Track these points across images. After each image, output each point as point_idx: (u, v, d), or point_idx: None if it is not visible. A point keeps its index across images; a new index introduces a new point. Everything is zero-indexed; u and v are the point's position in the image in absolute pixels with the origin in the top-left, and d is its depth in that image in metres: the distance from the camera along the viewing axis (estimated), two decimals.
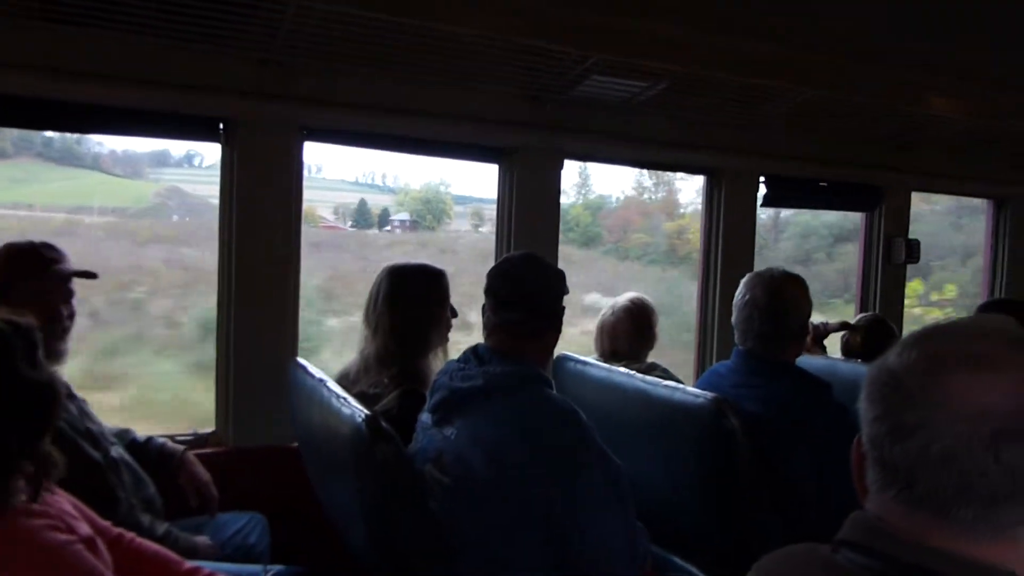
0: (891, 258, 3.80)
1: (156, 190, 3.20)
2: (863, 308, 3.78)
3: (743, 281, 2.25)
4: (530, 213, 2.91)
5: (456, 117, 2.76)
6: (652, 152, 3.19)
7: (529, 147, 2.90)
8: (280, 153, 2.53)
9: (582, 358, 2.56)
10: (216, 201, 2.58)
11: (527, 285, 1.84)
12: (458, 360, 1.89)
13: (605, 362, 2.67)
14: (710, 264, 3.34)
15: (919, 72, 3.39)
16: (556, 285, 1.88)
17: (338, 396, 1.82)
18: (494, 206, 2.95)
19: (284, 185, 2.55)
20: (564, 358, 2.58)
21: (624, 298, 2.87)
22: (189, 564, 1.70)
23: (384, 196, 4.21)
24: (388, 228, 3.76)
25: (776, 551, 0.97)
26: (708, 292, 3.34)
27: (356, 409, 1.71)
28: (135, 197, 3.22)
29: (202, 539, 2.07)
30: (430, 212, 3.84)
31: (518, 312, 1.82)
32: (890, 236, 3.80)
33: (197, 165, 3.33)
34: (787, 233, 4.55)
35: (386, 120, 2.68)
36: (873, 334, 3.06)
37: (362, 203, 3.57)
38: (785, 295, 2.16)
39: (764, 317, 2.15)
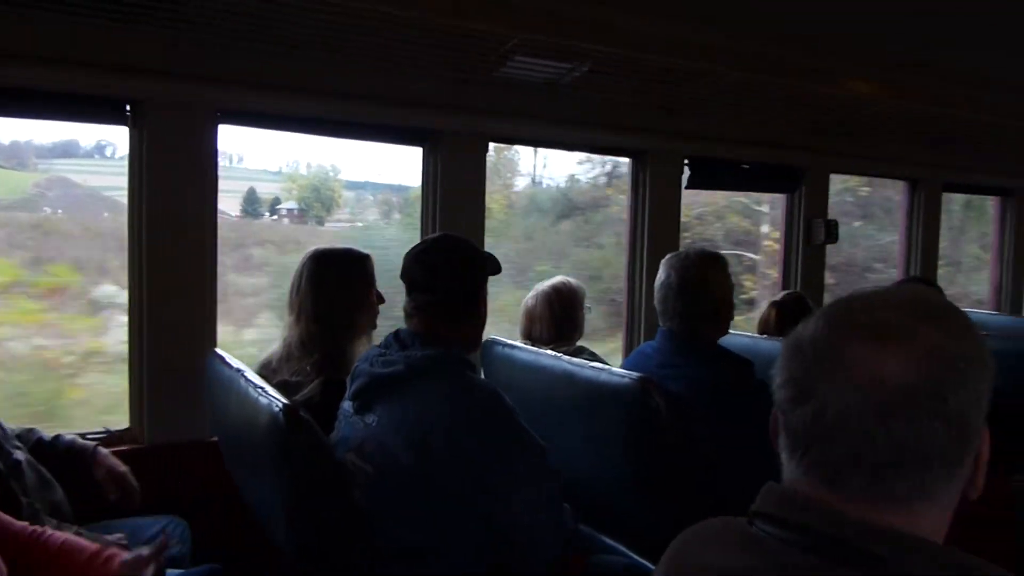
0: (811, 238, 3.89)
1: (36, 181, 2.96)
2: (785, 287, 3.86)
3: (662, 262, 2.28)
4: (455, 197, 2.87)
5: (377, 99, 2.69)
6: (578, 134, 3.19)
7: (453, 130, 2.85)
8: (192, 136, 2.43)
9: (510, 341, 2.55)
10: (116, 193, 2.45)
11: (442, 268, 1.81)
12: (379, 345, 1.85)
13: (532, 346, 2.67)
14: (636, 246, 3.35)
15: (837, 56, 3.47)
16: (475, 267, 1.85)
17: (256, 386, 1.76)
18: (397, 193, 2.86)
19: (198, 170, 2.45)
20: (492, 342, 2.56)
21: (549, 283, 2.87)
22: (96, 546, 1.63)
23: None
24: (275, 217, 3.57)
25: (693, 526, 0.97)
26: (635, 273, 3.36)
27: (274, 399, 1.65)
28: (9, 188, 2.97)
29: (114, 537, 1.98)
30: (319, 200, 3.65)
31: (434, 295, 1.79)
32: (810, 217, 3.89)
33: (110, 156, 3.15)
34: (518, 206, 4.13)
35: (305, 102, 2.60)
36: (789, 311, 3.13)
37: (251, 192, 3.40)
38: (702, 275, 2.18)
39: (682, 297, 2.18)
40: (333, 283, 2.25)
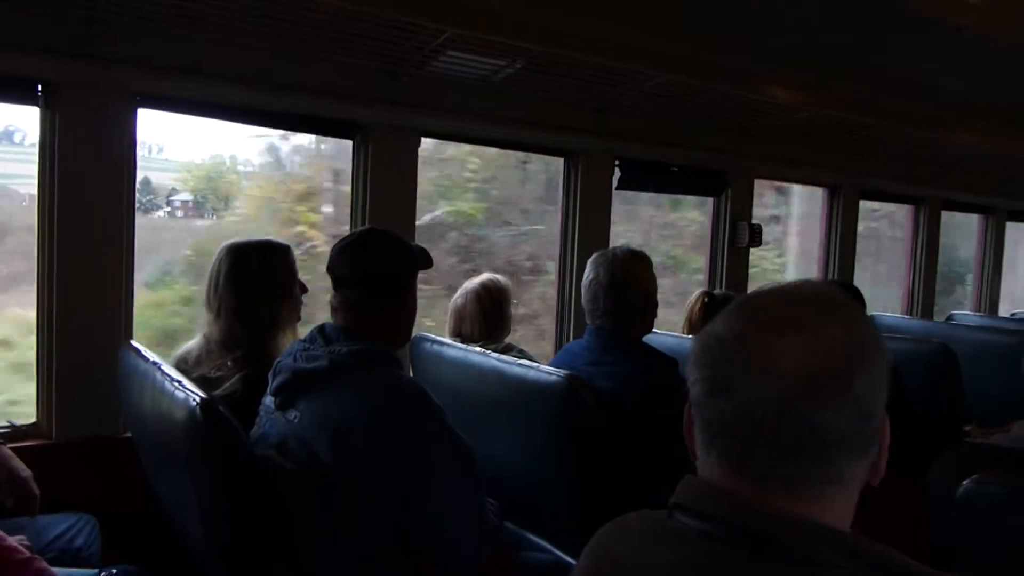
0: (735, 241, 3.98)
1: None
2: (709, 287, 3.94)
3: (589, 261, 2.31)
4: (386, 191, 2.83)
5: (307, 89, 2.63)
6: (510, 132, 3.18)
7: (385, 123, 2.81)
8: (108, 121, 2.33)
9: (438, 338, 2.53)
10: (13, 182, 2.32)
11: (368, 262, 1.78)
12: (303, 340, 1.81)
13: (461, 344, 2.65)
14: (567, 245, 3.38)
15: (763, 62, 3.57)
16: (402, 262, 1.82)
17: (172, 380, 1.69)
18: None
19: (114, 156, 2.35)
20: (421, 338, 2.54)
21: (477, 280, 2.86)
22: (26, 555, 1.55)
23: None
24: (167, 210, 3.33)
25: (614, 520, 0.97)
26: (566, 272, 3.38)
27: (191, 393, 1.59)
28: None
29: (16, 538, 1.88)
30: (214, 192, 3.41)
31: (360, 290, 1.76)
32: (735, 220, 3.98)
33: (19, 143, 2.96)
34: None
35: (230, 90, 2.52)
36: (711, 310, 3.20)
37: (145, 181, 3.18)
38: (626, 273, 2.21)
39: (607, 295, 2.21)
40: (255, 277, 2.18)
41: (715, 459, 0.84)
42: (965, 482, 1.33)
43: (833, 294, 0.87)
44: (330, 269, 1.80)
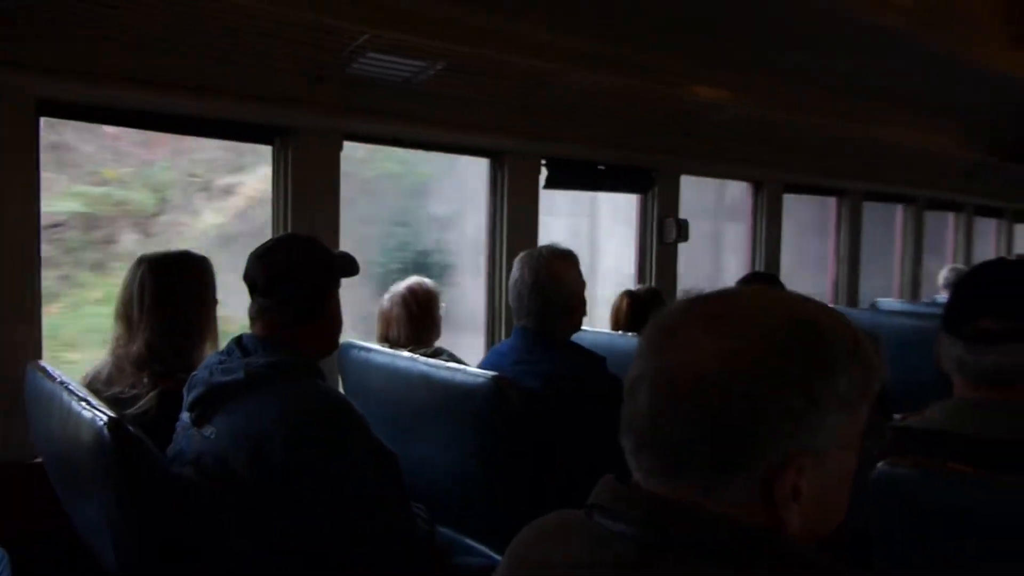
0: (663, 237, 4.03)
1: None
2: (640, 283, 3.98)
3: (516, 261, 2.31)
4: (308, 197, 2.77)
5: (222, 93, 2.56)
6: (436, 134, 3.16)
7: (305, 127, 2.75)
8: (9, 129, 2.22)
9: (366, 344, 2.49)
10: None
11: (285, 269, 1.73)
12: (220, 352, 1.75)
13: (389, 348, 2.62)
14: (496, 246, 3.36)
15: (686, 61, 3.62)
16: (322, 268, 1.78)
17: (80, 399, 1.62)
18: None
19: (16, 166, 2.24)
20: (348, 345, 2.50)
21: (403, 284, 2.83)
22: None
23: None
24: None
25: (534, 521, 0.96)
26: (495, 274, 3.36)
27: (98, 413, 1.52)
28: None
29: None
30: None
31: (278, 298, 1.71)
32: (662, 216, 4.03)
33: None
34: None
35: (139, 94, 2.43)
36: (641, 303, 3.24)
37: None
38: (550, 272, 2.21)
39: (531, 295, 2.21)
40: (179, 290, 2.11)
41: (631, 456, 0.84)
42: (879, 465, 1.35)
43: (762, 296, 0.87)
44: (247, 277, 1.75)
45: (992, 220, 7.38)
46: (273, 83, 2.63)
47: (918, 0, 3.61)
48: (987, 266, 1.63)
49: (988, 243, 7.41)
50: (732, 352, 0.78)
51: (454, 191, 4.11)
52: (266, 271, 1.72)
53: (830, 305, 0.91)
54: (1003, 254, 7.31)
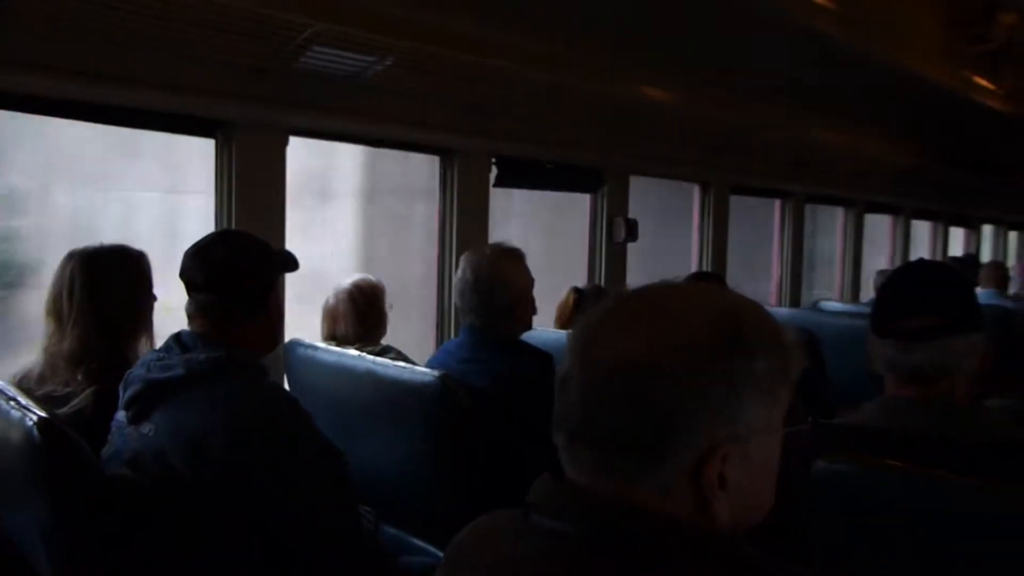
0: (613, 236, 4.06)
1: None
2: (590, 282, 4.00)
3: (461, 259, 2.30)
4: (252, 192, 2.71)
5: (162, 85, 2.49)
6: (384, 131, 3.12)
7: (249, 121, 2.70)
8: None
9: (312, 343, 2.46)
10: None
11: (221, 265, 1.70)
12: (159, 349, 1.71)
13: (336, 346, 2.59)
14: (446, 244, 3.35)
15: (634, 61, 3.66)
16: (259, 264, 1.75)
17: (8, 398, 1.56)
18: None
19: None
20: (294, 343, 2.46)
21: (348, 281, 2.80)
22: None
23: None
24: None
25: (474, 520, 0.96)
26: (444, 272, 3.34)
27: (28, 412, 1.47)
28: None
29: None
30: None
31: (216, 294, 1.67)
32: (611, 216, 4.06)
33: None
34: None
35: (75, 84, 2.35)
36: (580, 304, 3.27)
37: None
38: (496, 270, 2.21)
39: (474, 293, 2.21)
40: (113, 285, 2.05)
41: (565, 451, 0.84)
42: (816, 462, 1.38)
43: (696, 294, 0.88)
44: (183, 274, 1.71)
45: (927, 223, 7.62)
46: (214, 75, 2.57)
47: (853, 7, 3.70)
48: (908, 268, 1.69)
49: (924, 245, 7.65)
50: (656, 341, 0.79)
51: (32, 158, 3.12)
52: (204, 267, 1.69)
53: (773, 306, 0.93)
54: (939, 256, 7.56)
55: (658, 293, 0.87)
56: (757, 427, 0.80)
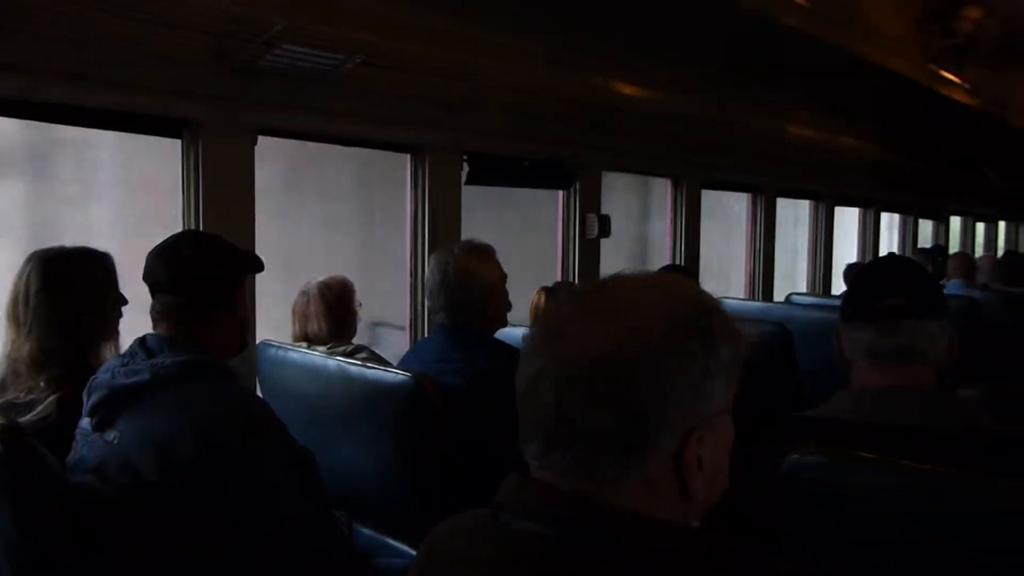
0: (586, 233, 4.06)
1: None
2: (564, 279, 4.00)
3: (432, 257, 2.28)
4: (220, 193, 2.67)
5: (127, 84, 2.45)
6: (354, 128, 3.09)
7: (216, 120, 2.66)
8: None
9: (283, 344, 2.43)
10: None
11: (185, 265, 1.67)
12: (123, 354, 1.67)
13: (306, 347, 2.56)
14: (418, 243, 3.33)
15: (607, 58, 3.66)
16: (225, 264, 1.72)
17: None
18: None
19: None
20: (265, 345, 2.43)
21: (316, 280, 2.77)
22: None
23: None
24: None
25: (444, 521, 0.95)
26: (417, 271, 3.32)
27: None
28: None
29: None
30: None
31: (178, 296, 1.64)
32: (584, 212, 4.06)
33: None
34: None
35: (42, 85, 2.30)
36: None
37: None
38: (460, 268, 2.20)
39: (443, 291, 2.19)
40: (74, 288, 2.00)
41: (536, 457, 0.83)
42: (789, 455, 1.38)
43: (665, 287, 0.87)
44: (147, 276, 1.68)
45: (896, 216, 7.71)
46: (180, 74, 2.53)
47: (822, 2, 3.73)
48: (880, 260, 1.73)
49: (894, 238, 7.75)
50: (633, 333, 0.79)
51: None
52: (168, 268, 1.66)
53: (747, 300, 0.93)
54: (908, 249, 7.66)
55: (624, 285, 0.87)
56: (721, 407, 0.83)
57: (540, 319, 0.86)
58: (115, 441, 1.54)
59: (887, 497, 1.30)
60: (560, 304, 0.85)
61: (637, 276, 0.89)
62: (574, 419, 0.79)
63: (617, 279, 0.88)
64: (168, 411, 1.52)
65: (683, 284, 0.88)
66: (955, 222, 8.83)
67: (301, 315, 2.73)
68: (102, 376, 1.62)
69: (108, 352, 2.00)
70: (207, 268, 1.68)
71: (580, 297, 0.85)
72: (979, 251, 9.02)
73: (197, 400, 1.53)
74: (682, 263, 4.62)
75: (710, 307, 0.84)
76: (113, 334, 2.06)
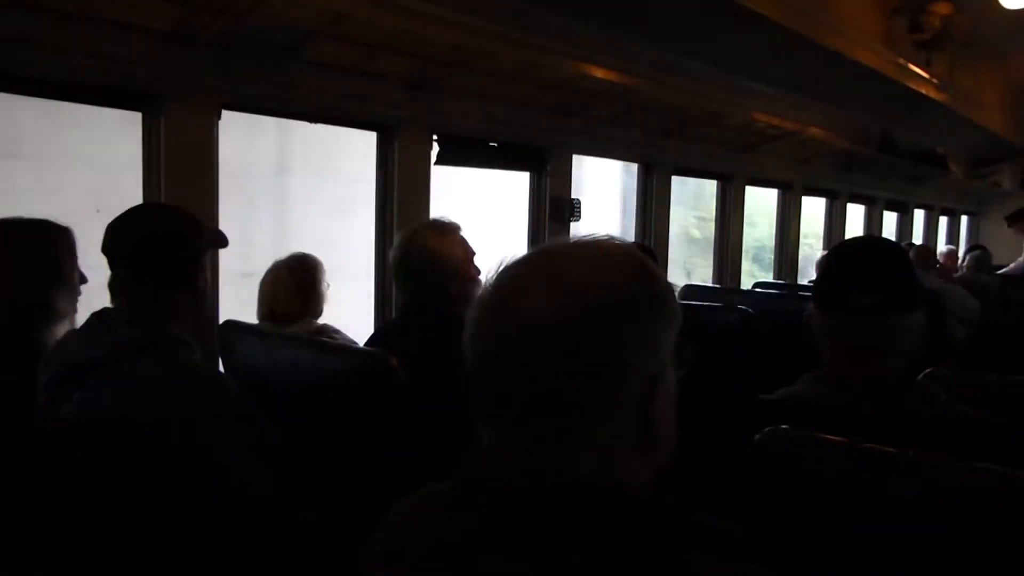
0: (557, 216, 4.05)
1: None
2: None
3: (396, 238, 2.25)
4: (184, 168, 2.61)
5: (85, 54, 2.37)
6: (322, 105, 3.04)
7: (179, 93, 2.59)
8: None
9: (246, 323, 2.38)
10: None
11: (141, 239, 1.63)
12: (79, 329, 1.63)
13: (269, 325, 2.52)
14: (386, 222, 3.29)
15: (578, 42, 3.64)
16: (181, 238, 1.68)
17: None
18: None
19: None
20: (230, 325, 2.38)
21: (286, 256, 2.72)
22: None
23: None
24: None
25: (403, 499, 0.93)
26: (385, 251, 3.29)
27: None
28: None
29: None
30: None
31: (135, 269, 1.60)
32: (555, 196, 4.04)
33: None
34: None
35: None
36: None
37: None
38: (425, 247, 2.17)
39: (410, 270, 2.16)
40: (29, 261, 1.93)
41: (502, 432, 0.82)
42: (756, 436, 1.39)
43: (607, 248, 0.86)
44: (105, 249, 1.63)
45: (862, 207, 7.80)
46: (140, 45, 2.46)
47: None
48: (855, 244, 1.70)
49: (859, 229, 7.84)
50: (588, 290, 0.79)
51: None
52: (124, 241, 1.62)
53: (716, 286, 0.93)
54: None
55: (564, 248, 0.86)
56: (668, 360, 0.84)
57: (485, 294, 0.83)
58: (70, 416, 1.50)
59: (847, 478, 1.32)
60: (502, 277, 0.83)
61: (573, 240, 0.88)
62: (543, 386, 0.77)
63: (555, 244, 0.88)
64: (126, 387, 1.48)
65: (614, 242, 0.88)
66: (919, 215, 8.97)
67: (269, 293, 2.68)
68: (57, 352, 1.58)
69: (62, 330, 1.93)
70: (165, 241, 1.64)
71: (523, 267, 0.83)
72: (942, 242, 9.17)
73: (153, 375, 1.50)
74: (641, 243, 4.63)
75: (644, 260, 0.86)
76: (69, 312, 1.98)
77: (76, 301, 2.02)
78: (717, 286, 5.35)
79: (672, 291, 0.86)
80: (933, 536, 1.22)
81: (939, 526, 1.22)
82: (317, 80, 2.89)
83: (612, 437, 0.80)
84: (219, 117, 2.71)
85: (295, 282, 2.66)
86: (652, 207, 4.79)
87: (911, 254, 5.73)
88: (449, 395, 1.98)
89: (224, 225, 2.51)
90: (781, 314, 3.70)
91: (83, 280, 2.03)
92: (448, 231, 2.22)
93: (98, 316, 1.61)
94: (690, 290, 4.49)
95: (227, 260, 2.65)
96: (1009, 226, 8.72)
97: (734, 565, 0.77)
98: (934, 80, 5.57)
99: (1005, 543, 1.19)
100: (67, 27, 2.30)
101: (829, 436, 1.34)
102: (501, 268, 0.84)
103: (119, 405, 1.47)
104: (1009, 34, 5.73)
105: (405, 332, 2.17)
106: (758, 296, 4.62)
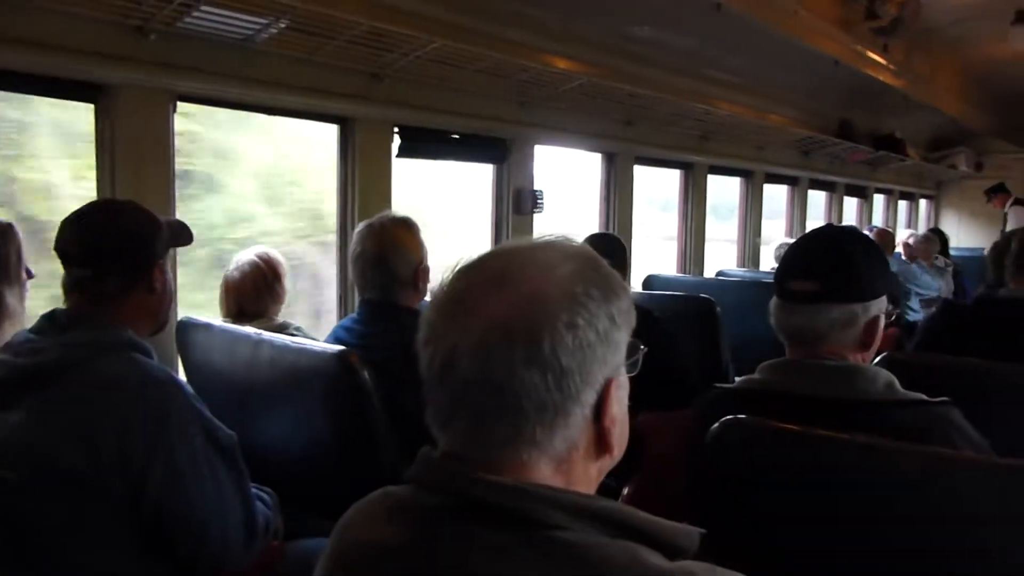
0: (519, 208, 4.04)
1: None
2: None
3: (355, 233, 2.24)
4: (138, 161, 2.56)
5: (34, 44, 2.31)
6: (279, 97, 2.99)
7: (132, 85, 2.53)
8: None
9: (205, 320, 2.35)
10: None
11: (98, 236, 1.58)
12: (29, 330, 1.58)
13: (233, 322, 2.48)
14: (347, 217, 3.26)
15: (539, 32, 3.63)
16: (140, 236, 1.62)
17: None
18: None
19: None
20: (187, 323, 2.34)
21: (249, 253, 2.68)
22: None
23: None
24: None
25: (360, 500, 0.93)
26: (345, 245, 3.25)
27: None
28: None
29: None
30: None
31: (90, 268, 1.56)
32: (518, 187, 4.04)
33: None
34: None
35: None
36: None
37: None
38: (392, 242, 2.16)
39: (375, 267, 2.15)
40: None
41: (460, 435, 0.81)
42: (715, 425, 1.40)
43: (573, 251, 0.86)
44: (58, 246, 1.58)
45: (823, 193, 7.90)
46: (92, 36, 2.40)
47: None
48: (812, 235, 1.73)
49: (820, 215, 7.95)
50: (543, 292, 0.79)
51: None
52: (79, 238, 1.56)
53: (680, 275, 0.94)
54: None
55: (517, 251, 0.86)
56: (622, 359, 0.85)
57: (440, 296, 0.83)
58: (18, 423, 1.46)
59: (806, 466, 1.34)
60: (458, 280, 0.83)
61: (525, 242, 0.88)
62: (502, 390, 0.77)
63: (507, 246, 0.88)
64: (80, 391, 1.44)
65: (572, 244, 0.88)
66: (878, 200, 9.11)
67: (234, 289, 2.63)
68: (4, 355, 1.53)
69: (10, 329, 1.89)
70: (121, 239, 1.59)
71: (476, 270, 0.83)
72: (900, 227, 9.34)
73: (110, 380, 1.46)
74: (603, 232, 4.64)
75: (597, 260, 0.86)
76: (17, 311, 1.94)
77: (25, 299, 1.98)
78: (681, 275, 5.39)
79: (627, 291, 0.86)
80: (880, 519, 1.25)
81: (886, 510, 1.24)
82: (273, 71, 2.85)
83: (566, 439, 0.80)
84: (175, 109, 2.66)
85: (264, 281, 2.61)
86: (615, 198, 4.80)
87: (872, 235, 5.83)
88: (416, 392, 1.98)
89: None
90: (745, 301, 3.75)
91: (30, 276, 1.99)
92: (412, 226, 2.22)
93: (48, 318, 1.56)
94: (654, 279, 4.52)
95: None
96: (988, 201, 8.99)
97: (683, 561, 0.78)
98: (891, 66, 5.65)
99: (953, 524, 1.22)
100: (13, 16, 2.24)
101: (777, 424, 1.37)
102: (457, 270, 0.84)
103: (73, 411, 1.43)
104: (959, 20, 5.83)
105: (369, 328, 2.16)
106: (721, 283, 4.67)
